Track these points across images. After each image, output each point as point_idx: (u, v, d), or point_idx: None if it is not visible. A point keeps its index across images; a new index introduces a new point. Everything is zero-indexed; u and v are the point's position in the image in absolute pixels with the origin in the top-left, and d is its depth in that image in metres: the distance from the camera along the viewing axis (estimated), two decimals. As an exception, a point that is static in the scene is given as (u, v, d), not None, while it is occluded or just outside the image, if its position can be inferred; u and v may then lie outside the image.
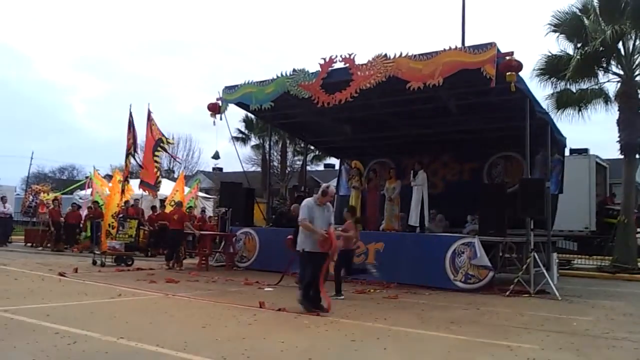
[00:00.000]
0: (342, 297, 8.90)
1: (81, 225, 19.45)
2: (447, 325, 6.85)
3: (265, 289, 10.01)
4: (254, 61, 78.22)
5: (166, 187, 20.68)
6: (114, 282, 10.08)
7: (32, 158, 57.77)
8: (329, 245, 7.53)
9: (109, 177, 22.64)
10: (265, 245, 13.78)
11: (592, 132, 24.13)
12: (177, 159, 14.69)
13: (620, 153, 16.15)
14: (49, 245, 19.14)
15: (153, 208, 18.72)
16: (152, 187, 14.53)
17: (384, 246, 11.79)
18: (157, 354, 4.86)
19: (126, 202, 15.75)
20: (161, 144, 14.43)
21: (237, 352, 4.96)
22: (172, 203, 17.21)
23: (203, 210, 19.18)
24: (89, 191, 21.58)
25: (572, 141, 16.74)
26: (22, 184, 46.35)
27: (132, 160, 14.73)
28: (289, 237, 8.97)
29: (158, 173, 14.46)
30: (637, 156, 16.79)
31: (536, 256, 10.41)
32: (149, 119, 14.57)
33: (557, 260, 12.55)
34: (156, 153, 14.44)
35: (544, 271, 10.42)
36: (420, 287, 10.44)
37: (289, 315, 7.16)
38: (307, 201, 7.81)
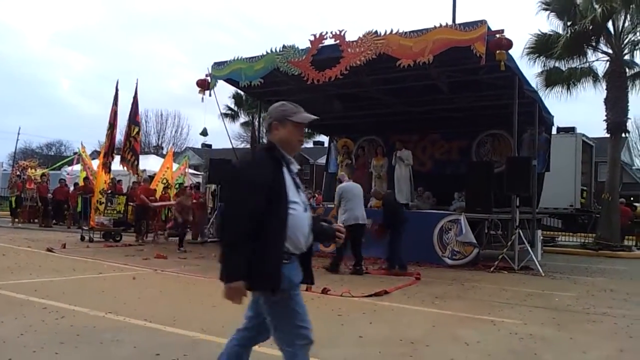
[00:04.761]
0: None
1: (69, 201, 19.35)
2: (432, 300, 6.97)
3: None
4: (243, 38, 77.41)
5: (155, 164, 20.56)
6: (102, 257, 10.11)
7: (18, 134, 57.20)
8: None
9: (96, 153, 22.45)
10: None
11: (579, 111, 24.34)
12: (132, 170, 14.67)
13: (607, 132, 16.30)
14: (36, 220, 19.06)
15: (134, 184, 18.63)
16: (130, 163, 14.46)
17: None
18: (145, 328, 4.91)
19: (113, 178, 15.70)
20: (133, 134, 14.37)
21: (226, 326, 5.02)
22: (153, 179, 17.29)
23: (197, 187, 18.99)
24: (77, 167, 21.40)
25: (560, 120, 16.90)
26: (9, 159, 45.93)
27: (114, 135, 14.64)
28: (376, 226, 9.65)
29: (130, 154, 14.34)
30: (623, 135, 16.96)
31: (521, 233, 10.57)
32: (135, 95, 14.41)
33: (541, 238, 12.72)
34: (130, 138, 14.38)
35: (529, 248, 10.58)
36: (409, 264, 10.55)
37: (277, 291, 7.22)
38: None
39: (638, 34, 16.12)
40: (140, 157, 16.45)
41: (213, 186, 16.97)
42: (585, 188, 19.78)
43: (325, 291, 7.03)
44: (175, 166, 19.86)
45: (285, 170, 2.68)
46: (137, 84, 14.50)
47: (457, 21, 13.18)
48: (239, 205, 2.55)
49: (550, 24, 16.92)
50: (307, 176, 44.10)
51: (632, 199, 25.96)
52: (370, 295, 6.97)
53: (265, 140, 2.90)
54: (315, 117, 2.88)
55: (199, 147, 47.60)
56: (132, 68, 72.27)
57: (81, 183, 18.60)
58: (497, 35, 10.02)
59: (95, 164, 17.98)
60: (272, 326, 2.68)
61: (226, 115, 31.72)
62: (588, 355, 4.59)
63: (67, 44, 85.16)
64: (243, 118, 35.12)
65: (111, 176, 15.12)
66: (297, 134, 2.79)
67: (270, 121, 2.80)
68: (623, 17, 15.96)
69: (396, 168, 13.55)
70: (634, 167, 39.45)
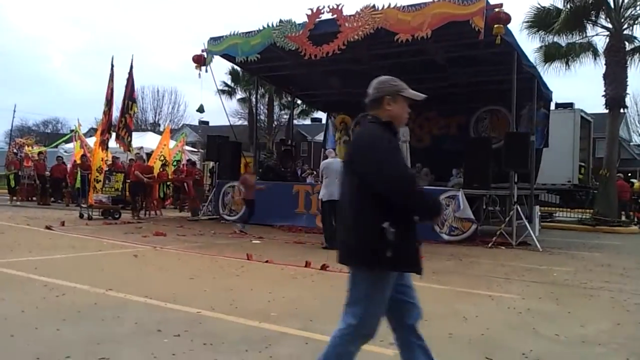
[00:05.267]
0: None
1: (68, 178, 19.31)
2: (431, 275, 6.98)
3: (253, 242, 10.12)
4: (238, 13, 76.41)
5: (152, 141, 20.46)
6: (101, 235, 10.12)
7: (14, 111, 56.82)
8: None
9: (93, 131, 22.36)
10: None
11: (578, 86, 24.22)
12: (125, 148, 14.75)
13: (605, 107, 16.25)
14: (34, 198, 19.04)
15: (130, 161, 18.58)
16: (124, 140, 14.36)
17: None
18: (146, 305, 4.93)
19: (113, 156, 15.67)
20: (129, 111, 14.25)
21: (225, 302, 5.05)
22: (161, 158, 17.31)
23: (193, 164, 18.95)
24: (75, 144, 21.29)
25: (558, 95, 16.82)
26: (6, 137, 45.70)
27: (112, 112, 14.49)
28: None
29: (124, 131, 14.23)
30: (622, 111, 16.90)
31: (519, 209, 10.60)
32: (131, 72, 14.25)
33: (539, 213, 12.76)
34: (126, 115, 14.26)
35: (526, 223, 10.62)
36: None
37: (276, 267, 7.27)
38: None
39: (638, 8, 15.97)
40: (138, 134, 16.38)
41: (211, 163, 16.96)
42: (583, 164, 19.81)
43: (324, 267, 7.07)
44: (172, 143, 19.79)
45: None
46: (132, 60, 14.34)
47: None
48: (390, 169, 2.55)
49: (550, -2, 16.74)
50: (305, 153, 44.03)
51: (629, 175, 26.06)
52: (369, 271, 6.98)
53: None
54: (425, 95, 2.90)
55: (196, 124, 47.42)
56: (128, 44, 71.60)
57: (78, 160, 18.53)
58: (496, 9, 9.92)
59: (91, 141, 17.90)
60: (354, 302, 2.71)
61: (223, 91, 31.56)
62: (586, 329, 4.63)
63: (61, 20, 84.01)
64: (240, 94, 34.97)
65: (111, 154, 15.10)
66: (406, 110, 2.84)
67: (380, 95, 2.79)
68: (623, -9, 15.80)
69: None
70: (632, 143, 39.46)
